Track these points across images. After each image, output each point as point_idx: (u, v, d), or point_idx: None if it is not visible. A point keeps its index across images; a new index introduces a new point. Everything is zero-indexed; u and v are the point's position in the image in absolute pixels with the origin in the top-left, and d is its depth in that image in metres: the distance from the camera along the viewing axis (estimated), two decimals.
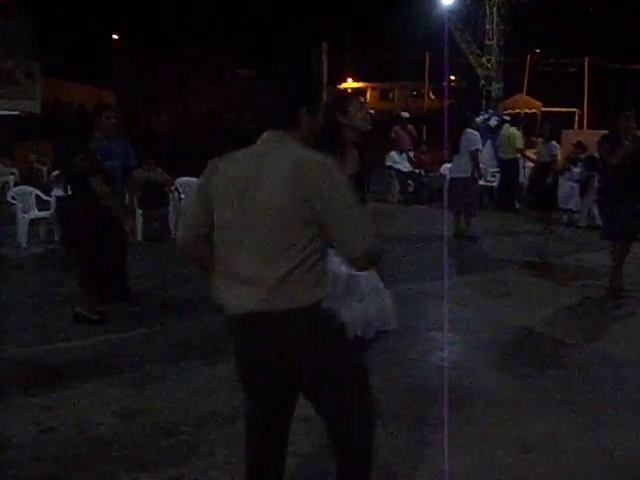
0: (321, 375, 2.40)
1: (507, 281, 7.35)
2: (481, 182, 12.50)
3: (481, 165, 11.94)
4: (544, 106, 24.86)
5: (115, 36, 34.57)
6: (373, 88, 45.67)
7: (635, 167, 6.18)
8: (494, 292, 6.89)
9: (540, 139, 11.16)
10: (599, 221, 8.02)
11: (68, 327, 5.71)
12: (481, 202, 11.73)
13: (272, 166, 2.32)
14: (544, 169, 10.29)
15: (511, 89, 24.04)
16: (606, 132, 6.87)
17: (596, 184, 10.44)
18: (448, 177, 9.93)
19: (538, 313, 6.12)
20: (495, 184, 13.23)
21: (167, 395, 4.24)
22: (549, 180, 10.21)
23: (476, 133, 9.76)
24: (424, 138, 20.56)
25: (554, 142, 10.57)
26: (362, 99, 3.65)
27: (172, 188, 10.29)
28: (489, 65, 17.06)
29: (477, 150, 9.64)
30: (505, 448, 3.57)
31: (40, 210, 9.97)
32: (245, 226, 2.33)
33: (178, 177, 10.53)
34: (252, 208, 2.31)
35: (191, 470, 3.37)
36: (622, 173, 6.14)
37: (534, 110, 23.67)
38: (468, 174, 9.49)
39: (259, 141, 2.45)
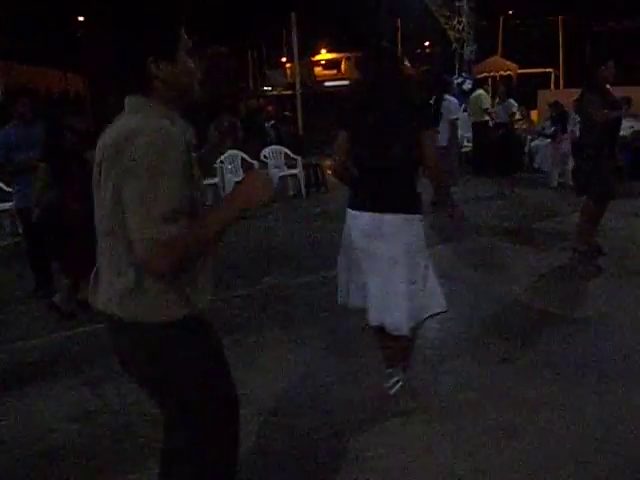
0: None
1: (485, 249, 7.14)
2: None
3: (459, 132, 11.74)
4: (519, 68, 24.62)
5: (81, 18, 33.72)
6: (347, 58, 45.06)
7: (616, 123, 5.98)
8: (473, 261, 6.68)
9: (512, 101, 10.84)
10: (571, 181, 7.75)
11: (27, 325, 5.45)
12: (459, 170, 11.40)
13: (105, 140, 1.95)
14: (503, 131, 9.96)
15: (485, 52, 23.74)
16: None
17: (565, 140, 10.30)
18: None
19: (518, 281, 5.92)
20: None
21: (124, 394, 3.98)
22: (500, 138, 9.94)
23: (455, 100, 9.47)
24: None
25: (511, 100, 10.30)
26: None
27: None
28: (460, 27, 16.71)
29: (456, 119, 9.37)
30: (487, 432, 3.37)
31: (1, 202, 9.62)
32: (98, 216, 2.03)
33: None
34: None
35: (149, 475, 3.12)
36: (607, 129, 5.89)
37: (509, 72, 23.42)
38: (445, 143, 9.20)
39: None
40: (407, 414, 3.57)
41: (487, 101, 12.12)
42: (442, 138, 9.21)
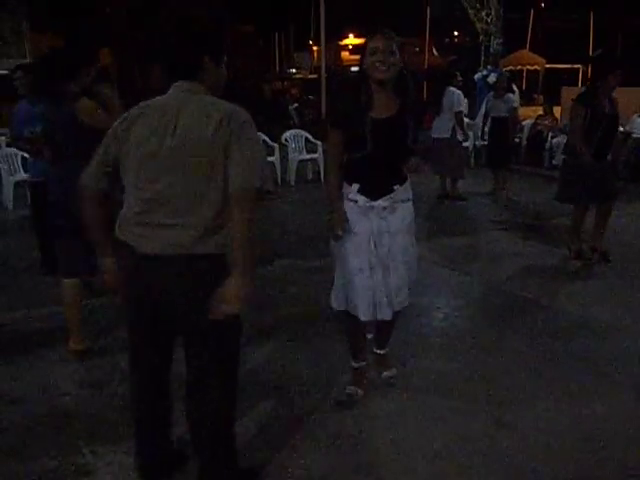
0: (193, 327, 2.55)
1: (492, 243, 7.20)
2: (478, 142, 12.24)
3: (478, 123, 11.68)
4: (548, 62, 24.43)
5: None
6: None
7: (608, 128, 6.04)
8: (478, 255, 6.75)
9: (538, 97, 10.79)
10: None
11: (43, 293, 5.60)
12: (467, 163, 11.26)
13: (190, 116, 2.43)
14: (499, 125, 9.71)
15: (514, 45, 23.56)
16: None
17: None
18: (432, 137, 9.41)
19: (525, 277, 5.99)
20: None
21: None
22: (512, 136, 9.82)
23: (459, 92, 9.27)
24: (424, 96, 20.20)
25: (511, 95, 10.09)
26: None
27: None
28: (488, 19, 16.59)
29: (461, 112, 9.24)
30: (479, 421, 3.48)
31: (26, 172, 9.79)
32: (168, 175, 2.43)
33: None
34: (173, 157, 2.42)
35: None
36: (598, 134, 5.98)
37: (536, 67, 23.27)
38: (449, 134, 9.14)
39: (171, 91, 2.55)
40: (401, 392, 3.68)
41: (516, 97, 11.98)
42: (444, 130, 9.17)
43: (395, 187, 3.47)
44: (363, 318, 3.50)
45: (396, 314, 3.62)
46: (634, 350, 4.37)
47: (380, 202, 3.45)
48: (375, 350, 3.95)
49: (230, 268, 2.36)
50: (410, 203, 3.58)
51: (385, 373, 3.92)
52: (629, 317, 4.97)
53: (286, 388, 3.85)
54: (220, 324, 2.43)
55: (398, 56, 3.36)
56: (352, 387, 3.76)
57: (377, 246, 3.45)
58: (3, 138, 16.39)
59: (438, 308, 5.20)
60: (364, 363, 3.82)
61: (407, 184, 3.56)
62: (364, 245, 3.45)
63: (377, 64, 3.33)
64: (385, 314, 3.52)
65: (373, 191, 3.45)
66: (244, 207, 2.34)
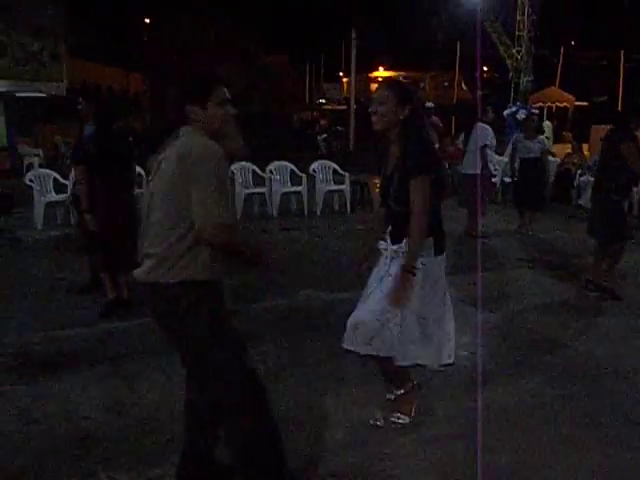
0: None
1: (516, 280, 7.14)
2: (506, 179, 12.15)
3: (505, 159, 11.64)
4: (577, 100, 24.38)
5: (147, 20, 34.61)
6: (404, 77, 45.24)
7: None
8: (502, 292, 6.70)
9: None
10: None
11: (68, 314, 5.67)
12: (492, 200, 11.11)
13: (168, 156, 2.76)
14: (529, 166, 9.63)
15: (543, 82, 23.57)
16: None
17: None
18: (462, 173, 9.40)
19: (549, 315, 5.93)
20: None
21: (158, 390, 4.14)
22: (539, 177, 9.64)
23: (487, 127, 9.21)
24: (452, 130, 20.24)
25: (541, 137, 9.98)
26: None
27: None
28: (519, 57, 16.65)
29: (485, 146, 9.13)
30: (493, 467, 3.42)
31: (58, 193, 9.98)
32: (151, 209, 2.81)
33: None
34: (153, 194, 2.81)
35: (172, 469, 3.26)
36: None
37: (565, 104, 23.22)
38: (477, 171, 9.02)
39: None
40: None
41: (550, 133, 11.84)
42: (474, 165, 9.06)
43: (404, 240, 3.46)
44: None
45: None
46: None
47: (391, 247, 3.54)
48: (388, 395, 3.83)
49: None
50: (426, 259, 3.45)
51: (393, 417, 3.78)
52: None
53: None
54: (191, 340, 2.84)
55: (391, 105, 3.35)
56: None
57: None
58: (36, 159, 16.84)
59: (461, 346, 5.15)
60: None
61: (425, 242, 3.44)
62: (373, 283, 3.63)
63: (372, 115, 3.43)
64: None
65: (391, 236, 3.56)
66: (213, 240, 2.68)
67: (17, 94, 17.23)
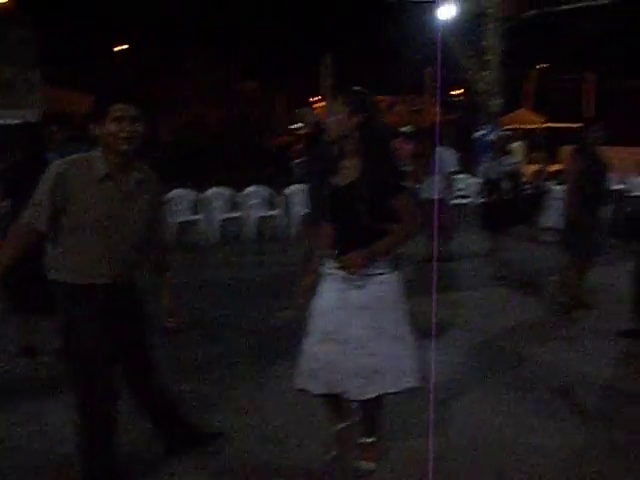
0: None
1: (488, 299, 7.29)
2: (476, 201, 12.27)
3: (477, 181, 11.79)
4: (548, 121, 24.85)
5: (119, 47, 34.63)
6: (379, 101, 45.60)
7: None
8: (475, 311, 6.83)
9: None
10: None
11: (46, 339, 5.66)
12: (454, 223, 10.71)
13: None
14: (496, 187, 9.59)
15: (513, 104, 24.00)
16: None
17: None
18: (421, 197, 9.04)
19: (521, 332, 6.07)
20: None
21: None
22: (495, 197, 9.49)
23: (452, 151, 9.25)
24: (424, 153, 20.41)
25: (508, 157, 10.05)
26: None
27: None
28: (488, 80, 17.00)
29: (452, 172, 9.20)
30: None
31: None
32: None
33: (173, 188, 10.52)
34: None
35: None
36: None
37: (536, 126, 23.67)
38: (440, 195, 8.81)
39: None
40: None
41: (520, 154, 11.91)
42: (435, 190, 8.80)
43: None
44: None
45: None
46: (630, 410, 4.41)
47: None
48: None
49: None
50: (387, 277, 3.27)
51: (362, 463, 3.52)
52: (630, 375, 5.03)
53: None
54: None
55: (344, 113, 3.17)
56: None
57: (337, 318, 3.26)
58: None
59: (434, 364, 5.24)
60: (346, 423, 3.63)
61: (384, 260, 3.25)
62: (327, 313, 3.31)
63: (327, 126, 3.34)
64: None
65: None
66: None
67: None
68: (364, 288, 3.23)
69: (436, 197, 8.69)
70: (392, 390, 3.29)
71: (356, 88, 3.27)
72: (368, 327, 3.23)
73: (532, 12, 16.41)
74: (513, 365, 5.24)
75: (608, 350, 5.60)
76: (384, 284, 3.26)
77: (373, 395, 3.28)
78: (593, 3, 15.10)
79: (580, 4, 15.31)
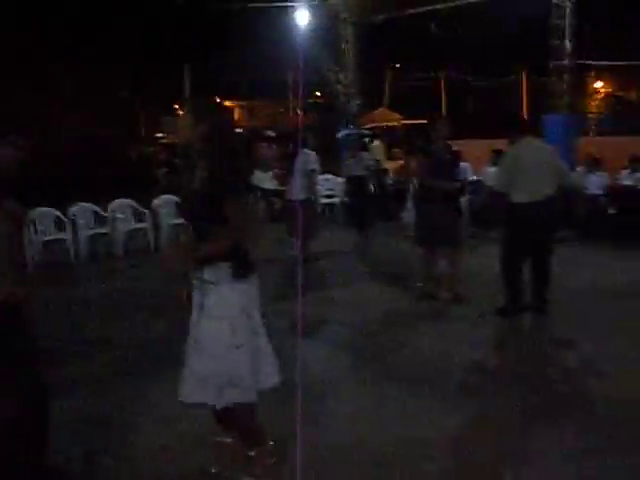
0: None
1: (357, 293, 7.63)
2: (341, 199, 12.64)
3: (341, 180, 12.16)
4: (406, 119, 25.94)
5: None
6: (242, 106, 45.69)
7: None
8: (345, 304, 7.10)
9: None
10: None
11: None
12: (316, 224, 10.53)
13: None
14: (356, 184, 9.83)
15: (373, 103, 24.90)
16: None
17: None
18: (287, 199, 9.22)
19: (388, 321, 6.40)
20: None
21: None
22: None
23: (311, 152, 9.39)
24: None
25: (365, 153, 10.32)
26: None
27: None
28: (346, 82, 17.56)
29: (313, 171, 9.31)
30: None
31: None
32: None
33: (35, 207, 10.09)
34: None
35: None
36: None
37: (394, 123, 24.66)
38: (304, 196, 8.97)
39: None
40: None
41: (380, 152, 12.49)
42: (298, 191, 8.93)
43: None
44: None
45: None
46: (495, 387, 4.77)
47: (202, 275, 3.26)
48: None
49: None
50: (221, 288, 3.20)
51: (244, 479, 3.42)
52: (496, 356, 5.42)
53: None
54: None
55: (189, 121, 3.29)
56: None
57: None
58: None
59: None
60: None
61: (220, 266, 3.20)
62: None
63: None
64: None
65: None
66: None
67: None
68: (206, 295, 3.23)
69: (299, 198, 8.90)
70: (213, 403, 3.23)
71: (202, 97, 3.45)
72: (205, 336, 3.23)
73: (381, 16, 17.04)
74: (387, 355, 5.53)
75: (473, 333, 6.03)
76: (218, 294, 3.22)
77: (223, 404, 3.22)
78: (438, 7, 15.89)
79: (426, 8, 16.06)
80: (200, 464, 3.64)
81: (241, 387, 3.20)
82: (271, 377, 3.36)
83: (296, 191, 9.00)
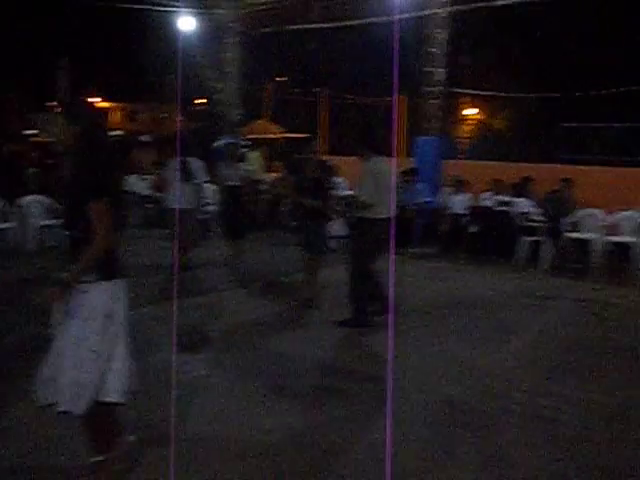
0: None
1: (231, 302, 7.86)
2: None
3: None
4: (289, 132, 26.32)
5: None
6: (122, 109, 44.45)
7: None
8: (220, 313, 7.27)
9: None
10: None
11: None
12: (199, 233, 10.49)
13: None
14: (232, 193, 9.84)
15: (254, 114, 25.05)
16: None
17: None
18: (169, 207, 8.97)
19: (262, 327, 6.63)
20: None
21: None
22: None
23: (198, 161, 9.26)
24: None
25: (241, 164, 10.38)
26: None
27: None
28: (228, 91, 17.67)
29: (200, 182, 9.21)
30: None
31: None
32: None
33: None
34: None
35: None
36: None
37: (274, 135, 24.97)
38: (185, 205, 8.74)
39: None
40: None
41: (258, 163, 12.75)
42: (182, 200, 8.66)
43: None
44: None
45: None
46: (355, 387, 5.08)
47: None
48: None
49: None
50: (87, 287, 3.23)
51: None
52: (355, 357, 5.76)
53: None
54: None
55: (62, 124, 3.33)
56: None
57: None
58: None
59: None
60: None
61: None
62: None
63: None
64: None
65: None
66: None
67: None
68: (73, 297, 3.25)
69: (181, 207, 8.57)
70: (73, 409, 3.23)
71: (76, 99, 3.48)
72: (67, 338, 3.25)
73: (267, 29, 17.28)
74: (257, 358, 5.82)
75: (334, 337, 6.51)
76: (87, 293, 3.25)
77: (75, 409, 3.23)
78: (315, 26, 16.30)
79: (306, 26, 16.45)
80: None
81: (79, 395, 3.18)
82: (114, 393, 3.31)
83: (177, 199, 8.63)
